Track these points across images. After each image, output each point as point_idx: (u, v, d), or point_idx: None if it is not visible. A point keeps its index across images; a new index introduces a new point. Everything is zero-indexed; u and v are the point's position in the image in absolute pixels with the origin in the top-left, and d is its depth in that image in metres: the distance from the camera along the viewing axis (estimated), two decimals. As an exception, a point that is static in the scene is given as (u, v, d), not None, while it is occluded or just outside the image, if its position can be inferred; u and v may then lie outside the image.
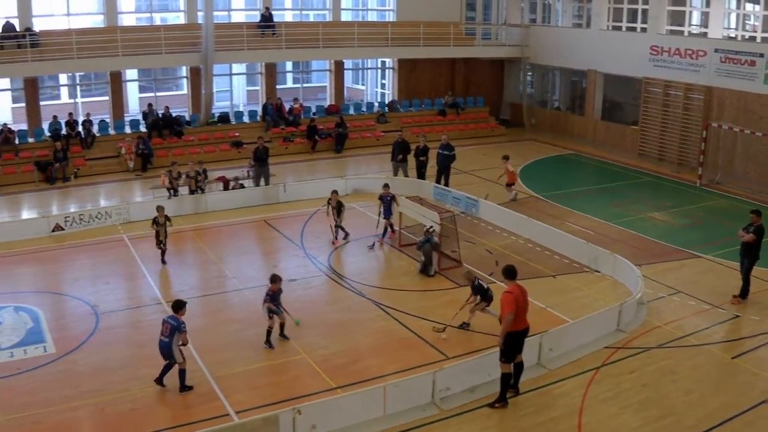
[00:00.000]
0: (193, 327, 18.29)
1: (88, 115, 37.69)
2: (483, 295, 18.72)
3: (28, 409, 15.50)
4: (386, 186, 25.64)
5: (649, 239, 26.25)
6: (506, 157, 30.98)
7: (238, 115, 42.34)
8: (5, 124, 36.73)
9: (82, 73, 41.82)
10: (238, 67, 45.98)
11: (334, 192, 25.49)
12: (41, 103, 39.15)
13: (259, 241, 26.65)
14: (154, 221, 23.58)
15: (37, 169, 34.11)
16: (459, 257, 23.50)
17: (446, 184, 30.93)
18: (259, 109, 42.15)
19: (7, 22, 36.17)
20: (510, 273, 15.57)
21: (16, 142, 36.23)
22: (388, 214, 25.34)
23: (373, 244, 25.20)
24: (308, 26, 44.09)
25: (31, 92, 38.37)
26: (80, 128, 36.79)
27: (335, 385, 16.17)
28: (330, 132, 40.78)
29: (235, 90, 47.26)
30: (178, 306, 16.45)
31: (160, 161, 35.49)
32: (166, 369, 16.23)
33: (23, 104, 39.26)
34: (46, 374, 16.98)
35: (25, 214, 29.70)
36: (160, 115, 38.57)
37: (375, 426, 14.71)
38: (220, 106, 43.15)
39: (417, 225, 24.91)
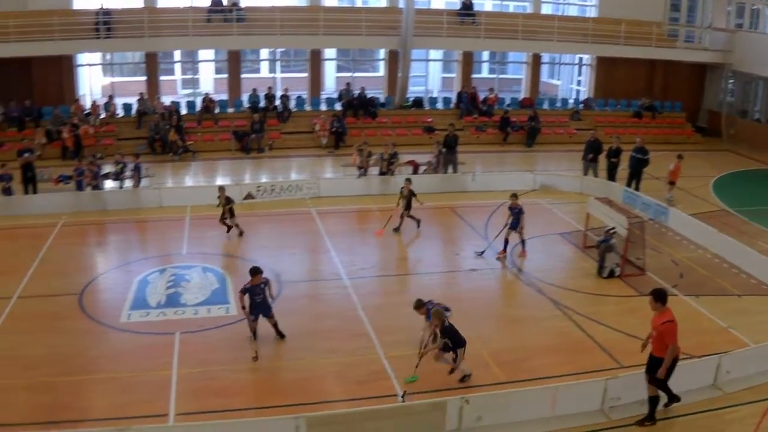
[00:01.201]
0: (372, 305, 18.49)
1: (286, 90, 38.71)
2: (453, 339, 15.36)
3: (206, 365, 16.04)
4: (514, 196, 23.26)
5: None
6: (680, 157, 29.44)
7: (432, 101, 42.42)
8: (207, 93, 38.32)
9: (282, 50, 42.92)
10: (435, 54, 46.02)
11: (407, 181, 24.86)
12: (242, 75, 40.56)
13: (443, 227, 26.47)
14: (218, 201, 24.27)
15: (234, 139, 35.46)
16: (644, 265, 22.43)
17: (637, 189, 29.64)
18: (454, 97, 42.05)
19: (220, -5, 37.76)
20: (662, 297, 14.14)
21: (216, 111, 37.73)
22: (515, 224, 22.93)
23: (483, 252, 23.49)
24: (508, 17, 43.53)
25: (233, 65, 39.89)
26: (278, 102, 37.84)
27: (504, 380, 15.78)
28: (522, 125, 40.15)
29: (431, 76, 47.31)
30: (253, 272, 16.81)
31: (352, 140, 35.92)
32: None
33: (225, 76, 40.85)
34: (226, 334, 17.54)
35: (220, 181, 30.87)
36: (356, 96, 39.05)
37: (541, 426, 14.24)
38: (414, 90, 43.30)
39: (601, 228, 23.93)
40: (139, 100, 37.82)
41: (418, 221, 24.85)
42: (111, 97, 38.99)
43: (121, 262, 22.71)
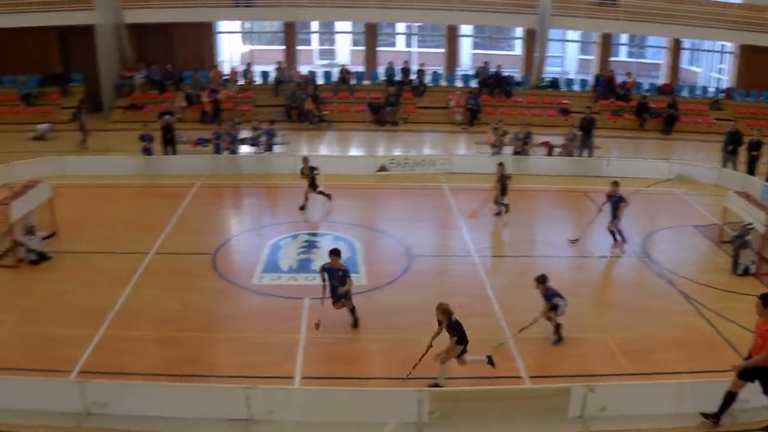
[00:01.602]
0: (499, 284, 18.26)
1: (422, 64, 38.57)
2: (460, 336, 14.27)
3: (335, 332, 16.11)
4: (615, 183, 21.77)
5: None
6: None
7: (569, 82, 41.53)
8: (344, 65, 38.54)
9: (419, 24, 42.76)
10: (573, 34, 45.03)
11: (500, 165, 23.90)
12: (378, 48, 40.63)
13: (574, 211, 25.83)
14: (301, 171, 23.97)
15: (369, 111, 35.62)
16: (780, 266, 21.23)
17: (777, 185, 28.18)
18: (591, 79, 41.08)
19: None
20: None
21: (352, 83, 37.92)
22: (614, 216, 21.46)
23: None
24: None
25: (370, 37, 40.08)
26: (413, 76, 37.71)
27: (630, 371, 15.17)
28: (660, 112, 38.83)
29: (568, 57, 46.40)
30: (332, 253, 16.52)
31: (486, 118, 35.49)
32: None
33: (362, 48, 41.03)
34: (355, 303, 17.47)
35: (354, 151, 31.25)
36: (492, 73, 38.61)
37: (665, 421, 13.57)
38: (551, 71, 42.55)
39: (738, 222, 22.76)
40: (276, 68, 38.41)
41: (506, 206, 23.74)
42: (249, 65, 39.74)
43: (254, 226, 23.20)
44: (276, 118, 33.45)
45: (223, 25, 42.38)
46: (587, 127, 30.30)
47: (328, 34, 45.28)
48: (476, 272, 19.41)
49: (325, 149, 32.01)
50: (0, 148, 32.04)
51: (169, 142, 29.58)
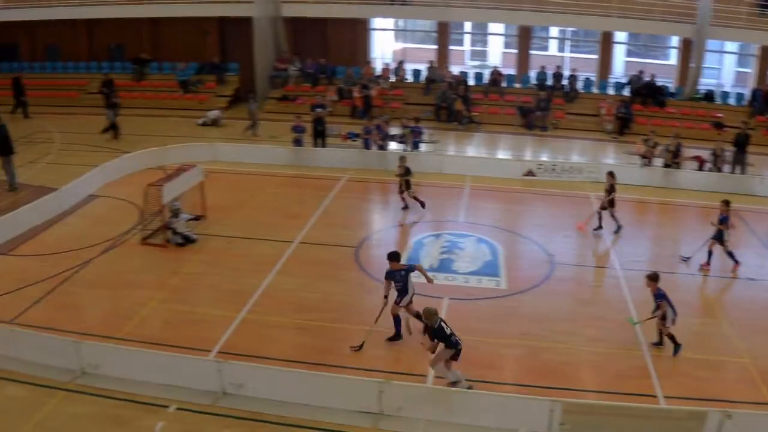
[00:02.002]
0: (641, 299, 17.68)
1: (574, 70, 38.10)
2: (446, 341, 14.11)
3: (469, 334, 16.03)
4: (724, 203, 20.50)
5: None
6: None
7: (724, 95, 40.13)
8: (496, 67, 38.52)
9: (573, 29, 42.31)
10: (731, 46, 43.52)
11: (609, 174, 22.80)
12: (531, 52, 40.39)
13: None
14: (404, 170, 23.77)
15: (519, 114, 35.44)
16: None
17: None
18: (747, 94, 39.63)
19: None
20: None
21: (503, 85, 37.87)
22: (719, 235, 20.24)
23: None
24: (819, 12, 40.24)
25: (523, 40, 39.92)
26: (565, 82, 37.37)
27: (770, 401, 14.61)
28: (824, 130, 37.15)
29: (725, 69, 44.90)
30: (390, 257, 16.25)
31: (637, 128, 34.68)
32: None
33: (514, 51, 40.89)
34: (493, 307, 17.64)
35: (501, 154, 31.24)
36: (645, 83, 37.83)
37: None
38: (706, 83, 41.17)
39: None
40: (428, 67, 38.68)
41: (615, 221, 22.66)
42: (401, 62, 40.16)
43: (399, 222, 23.50)
44: (424, 116, 33.77)
45: (377, 22, 42.99)
46: (741, 143, 29.21)
47: (480, 35, 45.28)
48: (618, 285, 19.03)
49: (472, 150, 32.04)
50: (160, 131, 33.63)
51: (320, 135, 30.33)
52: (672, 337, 15.87)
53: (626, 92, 37.85)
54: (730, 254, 20.21)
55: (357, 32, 41.55)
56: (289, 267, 19.73)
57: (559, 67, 38.05)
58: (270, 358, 14.99)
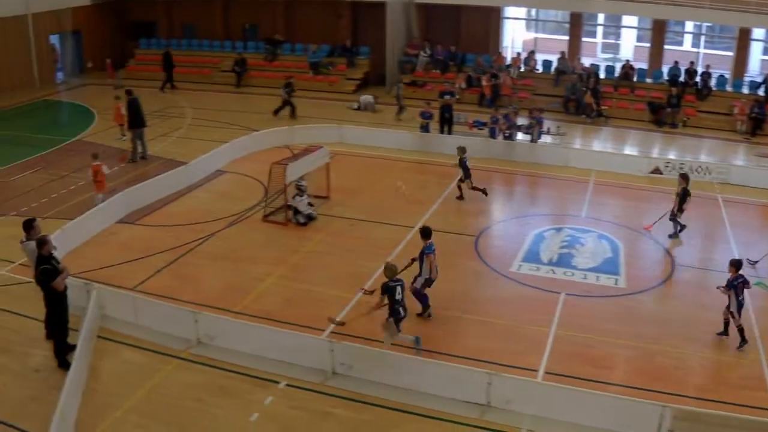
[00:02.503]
0: (763, 307, 17.49)
1: (708, 67, 37.00)
2: (392, 302, 14.80)
3: (585, 331, 16.17)
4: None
5: None
6: None
7: None
8: (628, 60, 37.82)
9: (708, 24, 41.10)
10: None
11: (681, 176, 21.78)
12: (664, 46, 39.45)
13: None
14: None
15: (648, 110, 34.75)
16: None
17: None
18: None
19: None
20: None
21: (634, 79, 37.16)
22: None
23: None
24: None
25: (657, 34, 38.98)
26: (698, 79, 36.37)
27: None
28: None
29: None
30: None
31: (771, 130, 33.63)
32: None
33: (647, 44, 40.04)
34: (610, 305, 17.49)
35: (628, 150, 30.74)
36: (782, 82, 36.48)
37: None
38: None
39: None
40: (559, 58, 38.32)
41: (679, 228, 21.87)
42: (532, 53, 39.89)
43: (520, 214, 23.54)
44: (551, 108, 33.47)
45: (510, 11, 42.73)
46: None
47: (614, 27, 44.46)
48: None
49: (599, 145, 31.59)
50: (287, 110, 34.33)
51: (447, 122, 30.49)
52: (740, 330, 15.79)
53: (761, 92, 36.52)
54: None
55: (489, 20, 41.41)
56: (407, 252, 19.84)
57: (692, 63, 37.03)
58: (381, 341, 15.20)
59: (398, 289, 14.87)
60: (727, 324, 16.11)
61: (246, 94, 40.00)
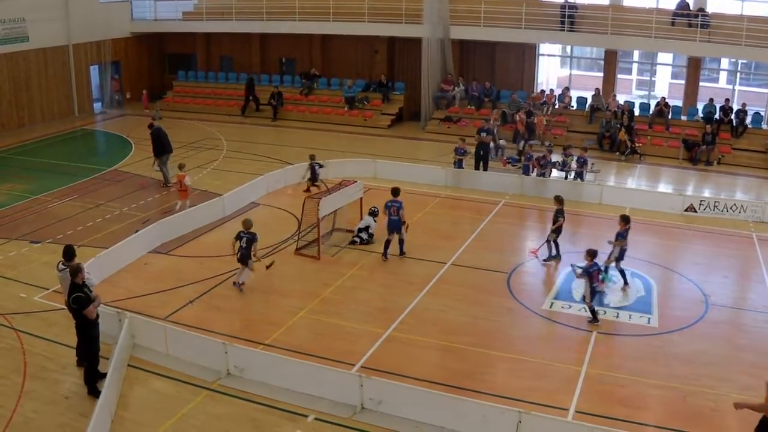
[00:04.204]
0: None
1: (744, 105, 36.78)
2: None
3: (617, 370, 16.03)
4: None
5: None
6: None
7: None
8: (663, 97, 37.67)
9: (744, 61, 40.93)
10: None
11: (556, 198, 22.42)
12: (699, 83, 39.32)
13: None
14: None
15: (683, 147, 34.58)
16: None
17: None
18: None
19: (683, 0, 36.93)
20: None
21: (669, 117, 37.01)
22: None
23: None
24: None
25: (692, 71, 38.88)
26: (733, 116, 36.16)
27: None
28: None
29: None
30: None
31: (808, 167, 33.29)
32: None
33: (682, 81, 39.95)
34: (642, 344, 17.31)
35: (662, 188, 30.60)
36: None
37: None
38: None
39: None
40: (593, 95, 38.25)
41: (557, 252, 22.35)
42: (567, 89, 39.89)
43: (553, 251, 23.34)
44: (587, 145, 33.40)
45: (544, 48, 42.82)
46: None
47: (649, 64, 44.35)
48: (776, 331, 18.25)
49: (633, 182, 31.39)
50: (324, 145, 34.54)
51: (482, 158, 30.49)
52: (592, 311, 17.97)
53: (801, 130, 36.24)
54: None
55: (524, 57, 41.58)
56: (439, 288, 20.02)
57: (727, 100, 36.82)
58: (411, 377, 15.31)
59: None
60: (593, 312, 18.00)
61: (281, 128, 40.35)
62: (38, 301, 18.86)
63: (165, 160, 28.68)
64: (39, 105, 40.93)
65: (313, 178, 28.01)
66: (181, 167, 26.18)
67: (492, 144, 31.60)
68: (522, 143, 33.82)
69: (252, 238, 19.47)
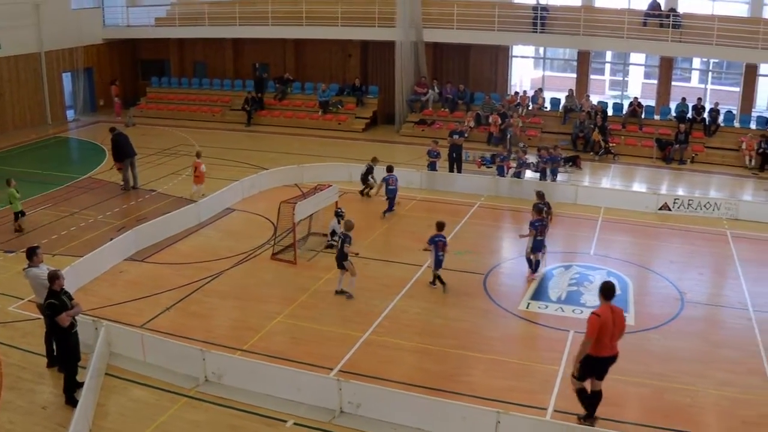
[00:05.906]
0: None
1: (716, 104, 37.07)
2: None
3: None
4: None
5: None
6: None
7: None
8: (636, 98, 37.94)
9: (715, 60, 41.28)
10: None
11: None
12: (672, 83, 39.62)
13: None
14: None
15: (656, 147, 34.84)
16: None
17: None
18: None
19: (654, 1, 37.26)
20: (606, 291, 13.70)
21: (642, 116, 37.28)
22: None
23: None
24: None
25: (664, 71, 39.16)
26: (706, 115, 36.44)
27: None
28: None
29: None
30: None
31: (781, 164, 33.61)
32: None
33: (654, 81, 40.23)
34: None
35: (636, 187, 30.92)
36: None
37: None
38: None
39: None
40: (567, 96, 38.45)
41: None
42: (540, 90, 40.09)
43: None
44: (561, 146, 33.58)
45: (517, 50, 42.97)
46: None
47: (621, 65, 44.63)
48: (750, 327, 18.32)
49: (607, 182, 31.61)
50: (298, 149, 34.48)
51: (456, 161, 30.55)
52: (438, 278, 19.88)
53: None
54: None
55: (498, 59, 41.72)
56: (416, 291, 20.02)
57: (700, 99, 37.11)
58: (389, 380, 15.30)
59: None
60: (437, 278, 19.95)
61: (255, 133, 40.27)
62: (13, 311, 18.67)
63: (128, 164, 28.67)
64: (11, 113, 40.58)
65: (365, 180, 28.27)
66: (198, 155, 27.97)
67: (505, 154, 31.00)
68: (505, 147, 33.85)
69: (347, 240, 19.61)
